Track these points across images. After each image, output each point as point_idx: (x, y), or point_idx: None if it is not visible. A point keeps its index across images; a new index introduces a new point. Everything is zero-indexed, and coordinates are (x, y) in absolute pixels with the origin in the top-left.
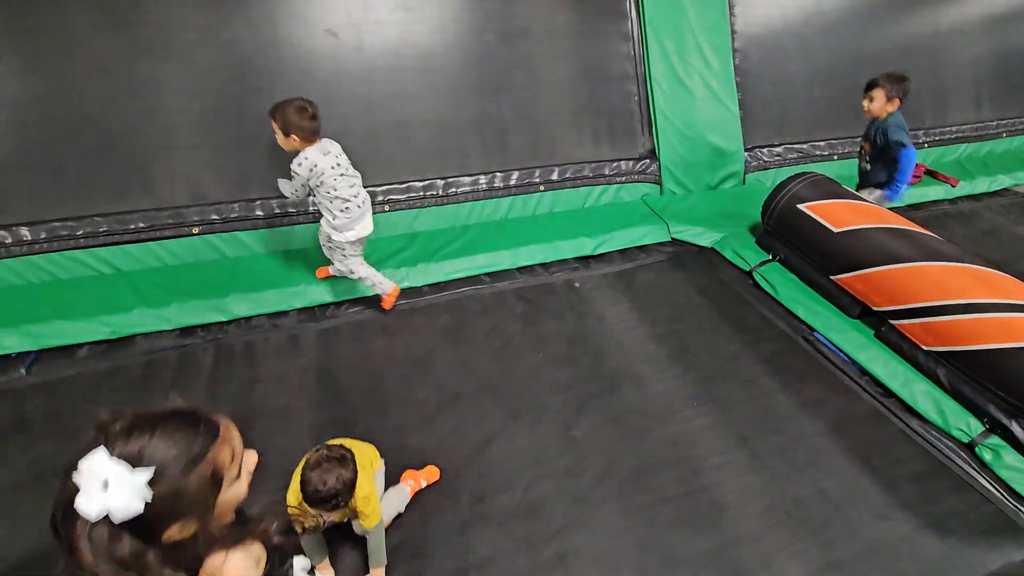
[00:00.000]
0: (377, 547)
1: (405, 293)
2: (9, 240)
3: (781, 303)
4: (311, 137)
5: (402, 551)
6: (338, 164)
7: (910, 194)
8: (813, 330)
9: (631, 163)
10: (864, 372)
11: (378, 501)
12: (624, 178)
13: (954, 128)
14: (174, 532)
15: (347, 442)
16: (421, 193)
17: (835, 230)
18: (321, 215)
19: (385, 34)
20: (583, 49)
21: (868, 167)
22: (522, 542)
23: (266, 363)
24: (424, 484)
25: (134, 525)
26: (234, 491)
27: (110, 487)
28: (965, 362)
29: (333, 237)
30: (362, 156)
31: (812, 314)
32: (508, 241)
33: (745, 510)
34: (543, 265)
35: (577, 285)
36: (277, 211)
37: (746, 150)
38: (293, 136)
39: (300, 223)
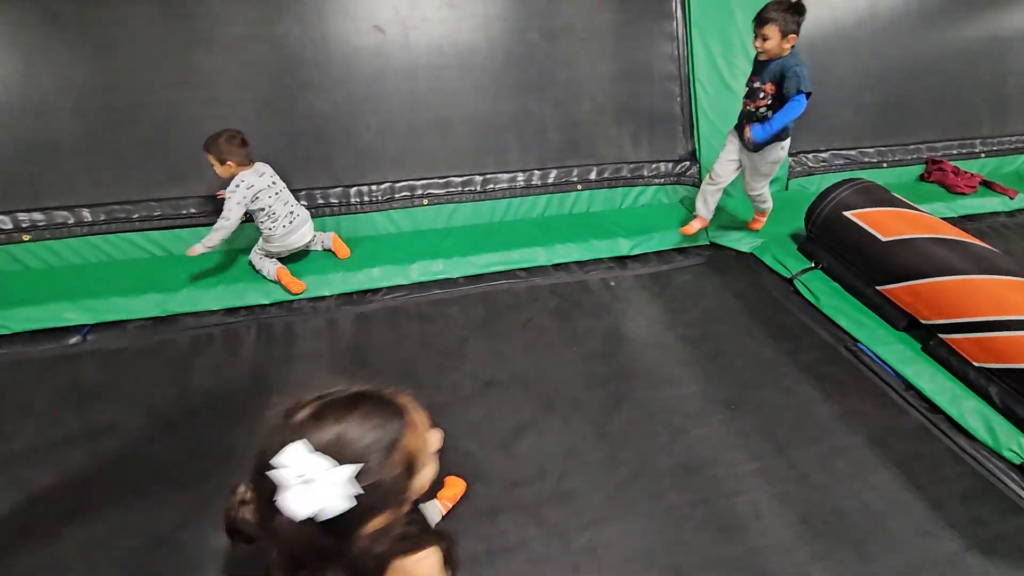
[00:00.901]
0: None
1: (440, 283)
2: (72, 221)
3: (822, 312)
4: (246, 162)
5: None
6: (273, 183)
7: (965, 204)
8: (856, 341)
9: (671, 165)
10: (909, 386)
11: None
12: (663, 180)
13: (1014, 138)
14: (372, 527)
15: None
16: (459, 188)
17: (883, 239)
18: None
19: (430, 31)
20: (626, 48)
21: (765, 112)
22: (553, 531)
23: (304, 343)
24: (451, 505)
25: (333, 522)
26: (424, 476)
27: (315, 484)
28: (1021, 380)
29: (272, 250)
30: (403, 151)
31: (855, 324)
32: (544, 238)
33: (781, 518)
34: (578, 263)
35: (612, 284)
36: (320, 202)
37: (790, 155)
38: (229, 163)
39: (341, 214)
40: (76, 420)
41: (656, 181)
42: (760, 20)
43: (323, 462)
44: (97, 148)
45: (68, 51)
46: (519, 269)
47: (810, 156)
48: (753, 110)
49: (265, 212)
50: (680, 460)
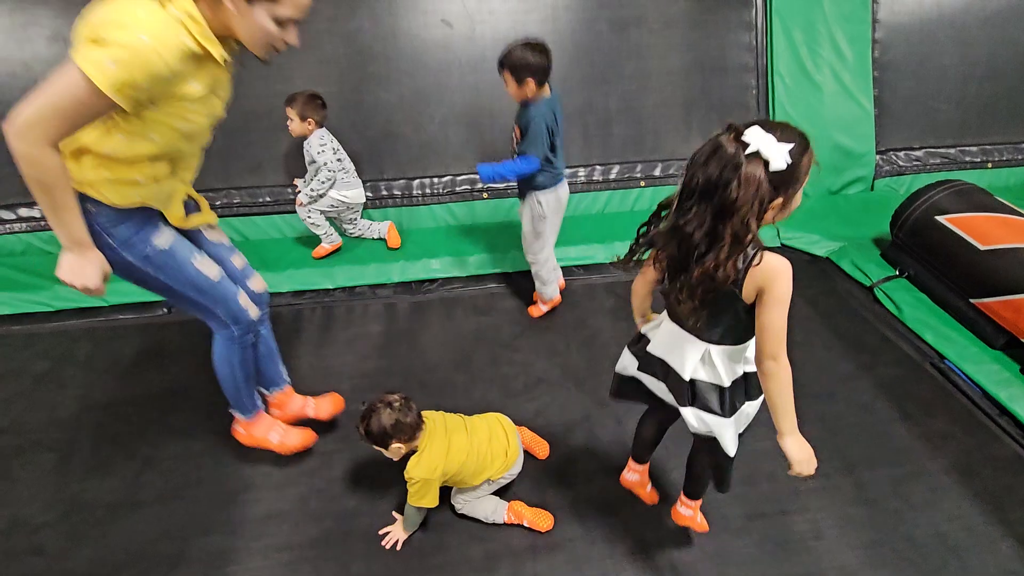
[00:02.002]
0: (407, 517)
1: (495, 277)
2: None
3: (906, 324)
4: (322, 123)
5: (467, 560)
6: (336, 147)
7: None
8: (943, 358)
9: None
10: (1004, 411)
11: (424, 489)
12: None
13: None
14: (778, 203)
15: (491, 441)
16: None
17: (981, 248)
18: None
19: (497, 24)
20: (700, 39)
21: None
22: (600, 532)
23: (363, 327)
24: (526, 525)
25: (774, 180)
26: (796, 200)
27: (773, 147)
28: None
29: (348, 201)
30: (466, 144)
31: (943, 340)
32: (603, 235)
33: (846, 540)
34: (637, 263)
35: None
36: (384, 193)
37: (878, 153)
38: (309, 119)
39: (403, 205)
40: (155, 379)
41: None
42: (499, 65)
43: (771, 137)
44: None
45: None
46: (576, 266)
47: (901, 154)
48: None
49: (341, 165)
50: (739, 471)
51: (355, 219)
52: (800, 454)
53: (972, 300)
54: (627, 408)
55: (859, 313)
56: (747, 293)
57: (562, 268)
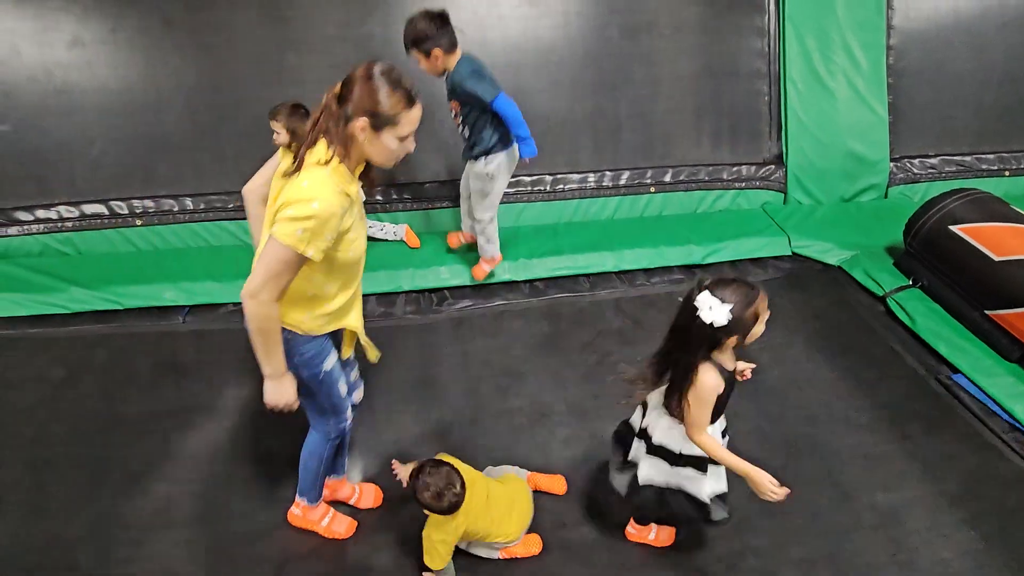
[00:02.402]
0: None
1: (503, 295)
2: (176, 208)
3: (918, 335)
4: None
5: (481, 563)
6: None
7: None
8: (955, 371)
9: (753, 168)
10: (1015, 427)
11: (439, 549)
12: (744, 184)
13: None
14: (728, 342)
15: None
16: (529, 188)
17: (996, 258)
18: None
19: (507, 29)
20: (711, 44)
21: (468, 133)
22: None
23: (381, 336)
24: (517, 556)
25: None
26: (757, 331)
27: (713, 310)
28: None
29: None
30: None
31: (956, 352)
32: (612, 243)
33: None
34: (646, 272)
35: (680, 300)
36: (394, 197)
37: (892, 160)
38: (297, 132)
39: (414, 209)
40: (173, 393)
41: (736, 185)
42: (415, 41)
43: (715, 301)
44: (202, 142)
45: (180, 53)
46: (584, 275)
47: (915, 161)
48: (462, 132)
49: None
50: (734, 493)
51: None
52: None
53: (987, 312)
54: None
55: (869, 324)
56: None
57: (569, 276)
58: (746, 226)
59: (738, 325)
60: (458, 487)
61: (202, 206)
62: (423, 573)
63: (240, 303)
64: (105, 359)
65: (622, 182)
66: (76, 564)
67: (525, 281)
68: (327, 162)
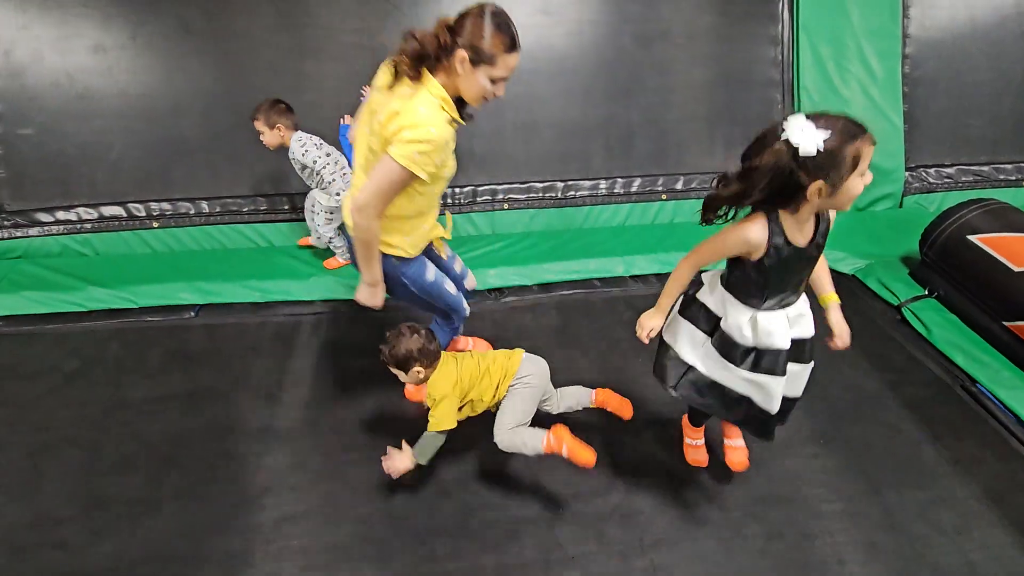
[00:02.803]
0: (423, 445)
1: (514, 290)
2: (192, 211)
3: (934, 346)
4: (292, 127)
5: (491, 528)
6: (319, 146)
7: None
8: (974, 381)
9: None
10: None
11: (446, 407)
12: None
13: None
14: (813, 186)
15: (493, 353)
16: (540, 194)
17: (1016, 269)
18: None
19: (522, 38)
20: (724, 53)
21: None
22: (613, 548)
23: (377, 340)
24: (565, 455)
25: (804, 162)
26: (853, 186)
27: (805, 132)
28: None
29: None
30: (488, 154)
31: (974, 363)
32: (623, 248)
33: (869, 567)
34: (657, 276)
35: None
36: None
37: (907, 169)
38: (279, 126)
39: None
40: (181, 381)
41: None
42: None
43: (810, 125)
44: (218, 147)
45: (198, 59)
46: (595, 279)
47: (931, 171)
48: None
49: (321, 171)
50: (759, 491)
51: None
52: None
53: (1005, 323)
54: (644, 423)
55: (886, 332)
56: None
57: (580, 280)
58: None
59: (830, 160)
60: (408, 335)
61: (217, 209)
62: (403, 442)
63: (252, 303)
64: (117, 351)
65: (633, 189)
66: (65, 542)
67: (536, 284)
68: (438, 94)
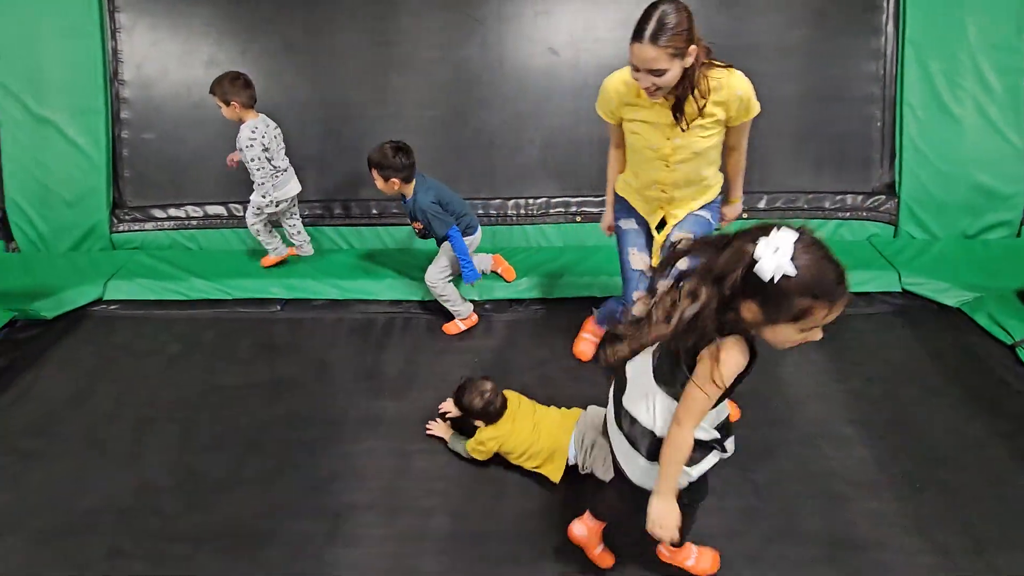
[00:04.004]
0: (456, 442)
1: (583, 301)
2: None
3: None
4: (250, 104)
5: (548, 536)
6: (277, 135)
7: None
8: None
9: (860, 198)
10: None
11: (483, 449)
12: (849, 214)
13: None
14: (744, 305)
15: (549, 420)
16: None
17: None
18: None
19: (602, 51)
20: (819, 68)
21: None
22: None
23: (453, 340)
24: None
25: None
26: (785, 335)
27: (780, 252)
28: None
29: (266, 205)
30: (563, 167)
31: None
32: None
33: None
34: None
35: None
36: (480, 212)
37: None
38: (234, 103)
39: (497, 224)
40: (266, 370)
41: (840, 215)
42: (370, 163)
43: (789, 245)
44: (308, 154)
45: (295, 73)
46: None
47: None
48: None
49: (270, 161)
50: (837, 532)
51: (294, 213)
52: (659, 516)
53: None
54: None
55: (996, 373)
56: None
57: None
58: (848, 258)
59: (777, 298)
60: (490, 392)
61: (306, 212)
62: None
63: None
64: (213, 338)
65: None
66: (161, 509)
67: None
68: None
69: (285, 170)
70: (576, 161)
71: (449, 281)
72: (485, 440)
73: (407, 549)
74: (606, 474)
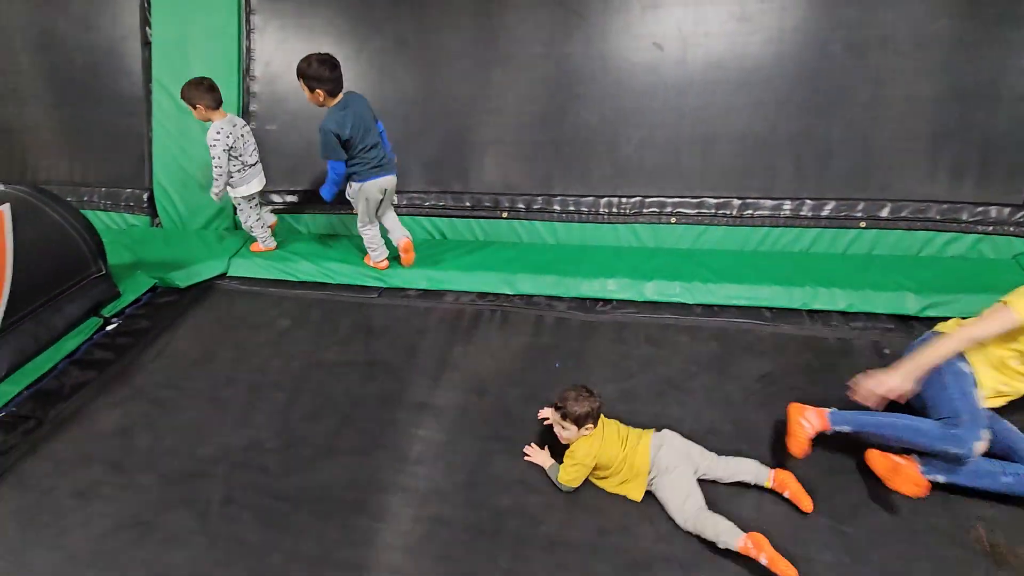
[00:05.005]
0: (553, 470)
1: (672, 308)
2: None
3: None
4: (213, 106)
5: (623, 554)
6: (243, 134)
7: None
8: None
9: (1007, 210)
10: None
11: (576, 472)
12: (991, 228)
13: None
14: None
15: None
16: (713, 210)
17: None
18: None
19: (711, 46)
20: (963, 62)
21: None
22: None
23: (534, 337)
24: (765, 564)
25: None
26: None
27: None
28: None
29: (243, 195)
30: (660, 166)
31: None
32: (804, 278)
33: None
34: (843, 315)
35: (887, 351)
36: (571, 208)
37: None
38: (199, 106)
39: (587, 222)
40: (362, 351)
41: (980, 228)
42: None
43: None
44: (411, 147)
45: (405, 69)
46: (766, 308)
47: None
48: None
49: (238, 158)
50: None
51: (256, 208)
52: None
53: None
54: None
55: None
56: None
57: (747, 307)
58: (987, 278)
59: None
60: (590, 395)
61: (404, 203)
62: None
63: (423, 289)
64: (317, 317)
65: (824, 213)
66: (267, 468)
67: (698, 304)
68: None
69: (252, 166)
70: (674, 161)
71: (367, 229)
72: (580, 457)
73: (484, 544)
74: (670, 498)
